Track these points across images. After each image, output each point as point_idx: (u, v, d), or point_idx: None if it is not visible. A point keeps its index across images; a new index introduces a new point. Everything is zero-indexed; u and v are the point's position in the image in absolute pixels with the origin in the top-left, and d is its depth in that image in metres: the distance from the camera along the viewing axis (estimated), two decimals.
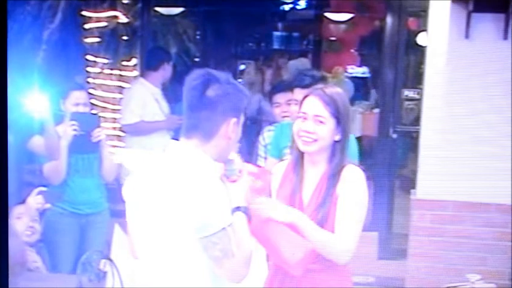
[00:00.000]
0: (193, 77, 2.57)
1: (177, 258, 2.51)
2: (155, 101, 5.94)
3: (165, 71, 6.07)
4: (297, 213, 2.82)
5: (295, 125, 2.97)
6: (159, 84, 6.09)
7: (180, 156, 2.55)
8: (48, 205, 4.49)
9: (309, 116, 2.91)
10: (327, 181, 2.90)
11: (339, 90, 3.00)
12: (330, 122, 2.89)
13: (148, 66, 6.32)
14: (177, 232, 2.48)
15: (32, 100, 4.39)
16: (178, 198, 2.46)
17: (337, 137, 2.91)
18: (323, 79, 3.84)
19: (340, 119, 2.91)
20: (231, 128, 2.55)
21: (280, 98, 4.66)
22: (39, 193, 4.39)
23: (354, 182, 2.90)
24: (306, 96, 2.97)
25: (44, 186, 4.62)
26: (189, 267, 2.49)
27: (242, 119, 2.61)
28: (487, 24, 4.96)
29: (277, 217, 2.77)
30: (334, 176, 2.89)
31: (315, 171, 2.95)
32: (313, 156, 2.93)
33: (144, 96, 5.94)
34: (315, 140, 2.89)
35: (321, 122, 2.88)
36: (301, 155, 2.97)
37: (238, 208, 2.60)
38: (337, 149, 2.92)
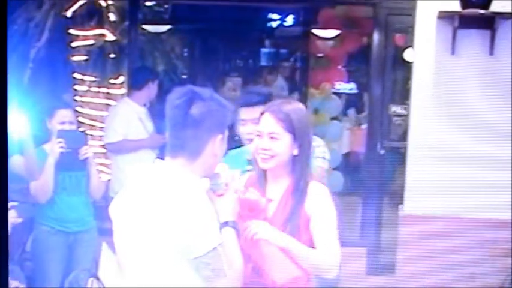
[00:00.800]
0: (176, 96, 2.56)
1: (167, 279, 2.49)
2: (139, 120, 5.93)
3: (150, 90, 6.06)
4: (289, 238, 2.79)
5: (253, 142, 2.99)
6: (144, 103, 6.07)
7: (166, 176, 2.53)
8: (20, 220, 4.44)
9: (263, 133, 2.92)
10: (291, 196, 2.90)
11: (295, 106, 2.99)
12: (285, 138, 2.88)
13: (133, 85, 6.31)
14: (166, 253, 2.46)
15: (13, 119, 4.36)
16: (166, 219, 2.45)
17: (295, 152, 2.90)
18: (270, 96, 3.80)
19: (296, 134, 2.90)
20: (217, 145, 2.55)
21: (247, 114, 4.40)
22: (11, 207, 4.34)
23: (323, 199, 2.90)
24: (262, 114, 2.97)
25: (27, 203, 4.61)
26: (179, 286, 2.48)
27: (227, 133, 2.61)
28: (473, 41, 4.99)
29: (269, 240, 2.75)
30: (298, 191, 2.89)
31: (277, 187, 2.95)
32: (274, 172, 2.93)
33: (127, 115, 5.93)
34: (272, 156, 2.89)
35: (275, 138, 2.88)
36: (263, 170, 2.97)
37: (226, 223, 2.58)
38: (297, 164, 2.91)
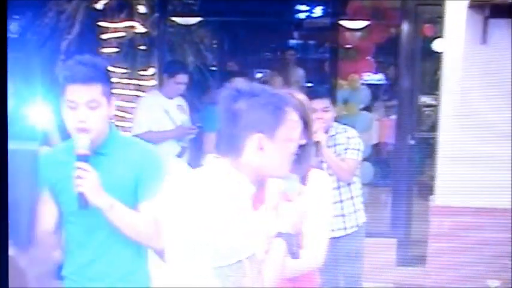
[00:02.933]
0: (222, 94, 2.45)
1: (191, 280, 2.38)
2: (164, 112, 5.94)
3: (179, 83, 6.07)
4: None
5: None
6: (173, 95, 6.08)
7: (213, 173, 2.42)
8: None
9: None
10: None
11: (302, 96, 2.96)
12: (300, 126, 2.78)
13: (162, 78, 6.34)
14: (194, 255, 2.35)
15: (41, 111, 4.41)
16: (203, 219, 2.33)
17: (303, 141, 2.86)
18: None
19: (307, 123, 2.89)
20: (258, 144, 2.37)
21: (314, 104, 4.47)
22: None
23: (319, 186, 2.89)
24: None
25: None
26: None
27: (286, 133, 2.42)
28: (504, 30, 4.95)
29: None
30: (301, 178, 2.76)
31: None
32: None
33: (152, 107, 5.95)
34: None
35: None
36: None
37: (280, 234, 2.43)
38: (304, 152, 2.87)
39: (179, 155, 5.88)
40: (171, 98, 6.03)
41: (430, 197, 5.10)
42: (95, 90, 2.75)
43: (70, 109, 2.73)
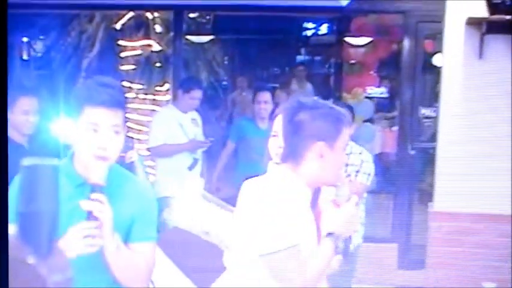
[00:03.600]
0: (286, 106, 2.55)
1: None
2: (179, 125, 5.93)
3: (194, 98, 6.06)
4: None
5: (270, 142, 2.95)
6: (188, 109, 6.07)
7: (273, 177, 2.51)
8: None
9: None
10: None
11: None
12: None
13: (177, 93, 6.34)
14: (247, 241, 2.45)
15: (64, 125, 4.39)
16: (258, 214, 2.43)
17: None
18: None
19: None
20: (319, 152, 2.44)
21: None
22: None
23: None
24: (276, 115, 2.94)
25: None
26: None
27: (341, 144, 2.49)
28: (500, 45, 4.94)
29: None
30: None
31: None
32: None
33: (168, 121, 5.95)
34: None
35: None
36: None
37: (330, 234, 2.48)
38: None
39: (191, 167, 5.87)
40: (185, 112, 6.02)
41: (429, 203, 5.07)
42: (119, 115, 2.40)
43: (92, 132, 2.36)
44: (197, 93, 6.07)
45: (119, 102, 2.42)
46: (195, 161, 5.92)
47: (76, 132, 2.41)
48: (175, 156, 5.88)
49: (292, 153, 2.46)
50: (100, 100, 2.36)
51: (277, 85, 9.68)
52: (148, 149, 6.10)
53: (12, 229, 1.29)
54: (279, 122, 2.93)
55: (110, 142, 2.37)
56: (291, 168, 2.46)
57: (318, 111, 2.45)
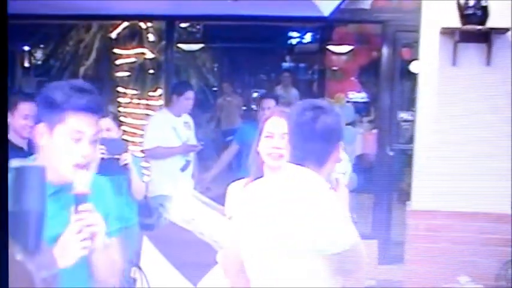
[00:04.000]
0: (299, 110, 2.39)
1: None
2: (172, 129, 5.93)
3: (186, 102, 6.06)
4: None
5: (262, 143, 2.89)
6: (182, 112, 6.07)
7: (297, 178, 2.35)
8: None
9: (275, 133, 2.86)
10: None
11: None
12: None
13: (169, 98, 6.35)
14: (298, 252, 2.26)
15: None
16: (300, 219, 2.26)
17: None
18: None
19: None
20: (339, 151, 2.42)
21: None
22: None
23: None
24: (267, 118, 2.93)
25: None
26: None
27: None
28: (472, 53, 4.96)
29: None
30: None
31: None
32: (275, 170, 2.80)
33: (161, 125, 5.95)
34: (281, 156, 2.78)
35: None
36: (261, 170, 2.91)
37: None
38: None
39: (183, 168, 5.87)
40: (179, 115, 6.02)
41: (407, 202, 5.09)
42: (99, 121, 2.21)
43: (74, 141, 2.14)
44: (190, 94, 6.10)
45: (100, 107, 2.21)
46: (187, 162, 5.92)
47: (54, 140, 2.14)
48: (168, 158, 5.88)
49: (314, 156, 2.34)
50: (82, 106, 2.13)
51: (263, 90, 9.71)
52: (142, 151, 6.09)
53: None
54: (275, 124, 2.87)
55: (92, 150, 2.18)
56: (313, 169, 2.33)
57: (333, 114, 2.39)
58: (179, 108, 6.03)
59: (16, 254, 1.23)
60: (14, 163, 1.50)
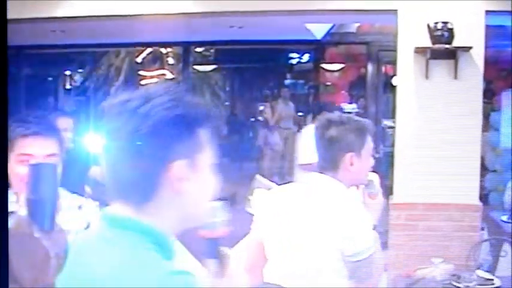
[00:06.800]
0: (316, 124, 2.37)
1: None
2: None
3: None
4: None
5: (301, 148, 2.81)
6: None
7: (325, 188, 2.28)
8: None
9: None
10: None
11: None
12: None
13: None
14: (321, 257, 2.17)
15: (95, 139, 4.45)
16: (323, 225, 2.18)
17: None
18: None
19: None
20: (349, 161, 2.30)
21: None
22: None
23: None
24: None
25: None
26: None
27: (367, 149, 2.36)
28: (441, 68, 4.97)
29: None
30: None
31: None
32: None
33: None
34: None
35: None
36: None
37: (374, 226, 2.32)
38: None
39: None
40: None
41: (390, 196, 5.11)
42: (54, 144, 1.89)
43: (21, 164, 1.78)
44: None
45: (50, 131, 1.90)
46: None
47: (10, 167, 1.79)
48: None
49: (327, 164, 2.29)
50: (34, 129, 1.84)
51: (266, 104, 9.75)
52: None
53: (23, 211, 1.37)
54: (309, 134, 2.72)
55: None
56: (331, 176, 2.28)
57: (344, 127, 2.30)
58: None
59: (35, 232, 1.31)
60: (32, 161, 1.59)
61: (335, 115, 2.40)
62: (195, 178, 1.14)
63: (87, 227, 1.77)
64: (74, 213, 1.80)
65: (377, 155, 6.60)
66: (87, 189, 4.16)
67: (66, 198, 1.79)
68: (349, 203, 2.24)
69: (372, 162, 2.39)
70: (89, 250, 1.11)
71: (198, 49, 9.24)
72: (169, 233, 1.13)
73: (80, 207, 1.86)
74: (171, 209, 1.12)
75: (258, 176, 2.99)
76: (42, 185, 1.36)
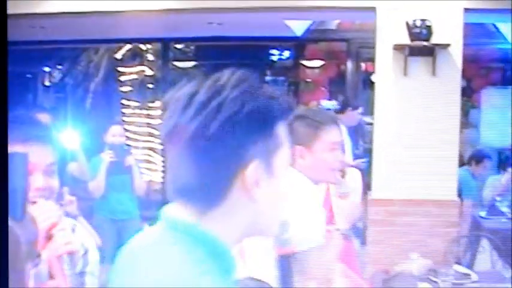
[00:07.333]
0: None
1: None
2: None
3: None
4: None
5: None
6: None
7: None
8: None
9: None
10: None
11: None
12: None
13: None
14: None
15: (70, 137, 4.43)
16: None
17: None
18: None
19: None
20: (298, 154, 2.14)
21: None
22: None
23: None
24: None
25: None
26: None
27: (325, 143, 2.17)
28: (420, 65, 5.00)
29: None
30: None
31: None
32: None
33: None
34: None
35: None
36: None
37: (337, 229, 2.17)
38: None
39: None
40: None
41: (368, 192, 5.13)
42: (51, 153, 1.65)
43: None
44: None
45: (50, 138, 1.68)
46: None
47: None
48: None
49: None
50: (33, 136, 1.59)
51: None
52: None
53: None
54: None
55: (46, 181, 1.61)
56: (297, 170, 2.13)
57: (304, 121, 2.15)
58: None
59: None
60: None
61: (301, 109, 2.29)
62: (271, 183, 1.02)
63: (85, 253, 1.66)
64: (68, 237, 1.60)
65: (356, 151, 6.62)
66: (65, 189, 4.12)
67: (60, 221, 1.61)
68: (299, 195, 2.04)
69: (338, 158, 2.20)
70: (145, 252, 1.03)
71: (178, 45, 9.19)
72: (231, 242, 1.02)
73: (73, 229, 1.70)
74: (239, 216, 1.01)
75: None
76: (12, 174, 1.34)
